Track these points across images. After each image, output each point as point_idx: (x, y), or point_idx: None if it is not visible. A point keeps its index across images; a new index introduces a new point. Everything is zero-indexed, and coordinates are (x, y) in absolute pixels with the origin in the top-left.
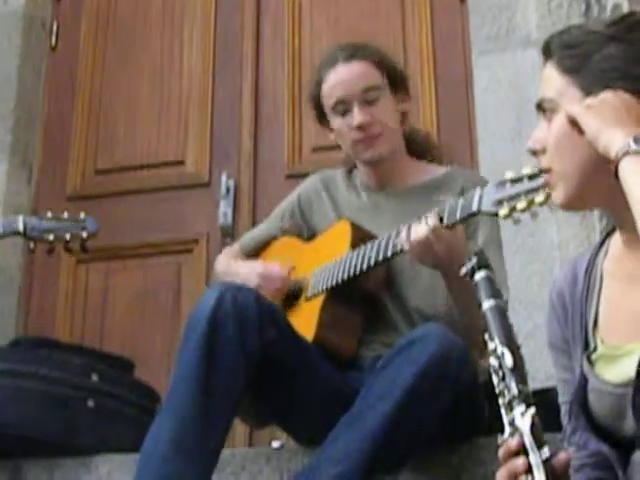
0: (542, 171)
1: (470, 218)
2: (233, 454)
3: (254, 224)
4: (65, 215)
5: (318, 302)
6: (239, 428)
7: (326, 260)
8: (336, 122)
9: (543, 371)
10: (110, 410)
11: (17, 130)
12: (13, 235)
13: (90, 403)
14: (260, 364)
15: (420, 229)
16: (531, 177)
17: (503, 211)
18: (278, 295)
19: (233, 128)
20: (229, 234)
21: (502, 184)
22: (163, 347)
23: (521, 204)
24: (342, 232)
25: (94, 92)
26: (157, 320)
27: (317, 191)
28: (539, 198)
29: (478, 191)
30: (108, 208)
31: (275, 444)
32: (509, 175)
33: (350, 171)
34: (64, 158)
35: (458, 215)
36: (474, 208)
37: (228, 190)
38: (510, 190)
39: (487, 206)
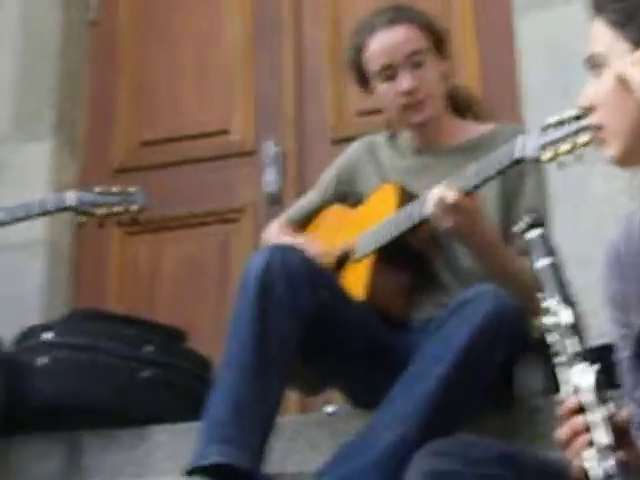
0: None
1: (514, 166)
2: (288, 421)
3: (301, 191)
4: (115, 189)
5: (366, 264)
6: (291, 395)
7: (373, 224)
8: (381, 88)
9: (597, 328)
10: (165, 380)
11: (62, 106)
12: (63, 210)
13: (145, 373)
14: (312, 325)
15: (441, 192)
16: (575, 119)
17: (546, 156)
18: None
19: (276, 95)
20: (276, 202)
21: (545, 129)
22: (212, 317)
23: (565, 146)
24: (387, 195)
25: (136, 64)
26: (206, 290)
27: (361, 157)
28: (583, 139)
29: (520, 138)
30: (154, 180)
31: (328, 409)
32: (551, 119)
33: (393, 134)
34: (109, 132)
35: (498, 166)
36: (517, 155)
37: (274, 157)
38: (553, 134)
39: (530, 152)
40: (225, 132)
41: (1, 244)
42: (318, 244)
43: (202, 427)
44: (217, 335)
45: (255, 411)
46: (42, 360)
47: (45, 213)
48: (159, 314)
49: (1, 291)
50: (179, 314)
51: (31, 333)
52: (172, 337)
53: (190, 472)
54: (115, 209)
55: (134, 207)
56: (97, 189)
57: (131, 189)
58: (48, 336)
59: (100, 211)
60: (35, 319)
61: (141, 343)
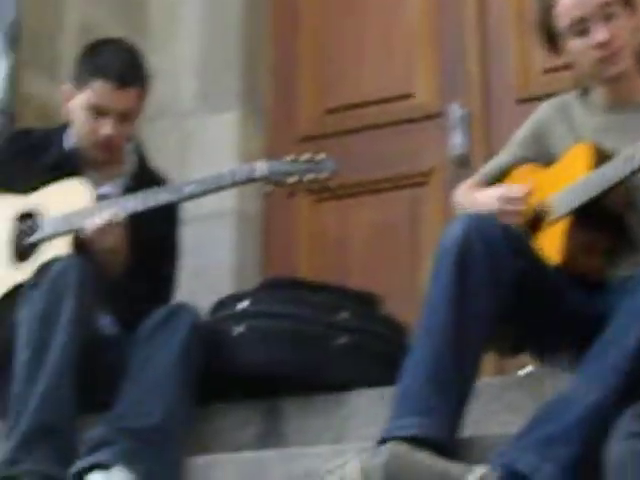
0: None
1: None
2: (484, 384)
3: (488, 152)
4: (304, 156)
5: (563, 225)
6: (488, 357)
7: (567, 184)
8: (573, 43)
9: None
10: (360, 346)
11: (245, 77)
12: (254, 181)
13: (341, 340)
14: (510, 292)
15: None
16: None
17: None
18: (520, 218)
19: (460, 56)
20: (464, 164)
21: None
22: (405, 281)
23: None
24: (582, 154)
25: (319, 30)
26: (397, 254)
27: (552, 116)
28: None
29: None
30: (340, 146)
31: (524, 371)
32: None
33: (584, 92)
34: (294, 100)
35: None
36: None
37: (460, 120)
38: None
39: None
40: (410, 96)
41: (192, 215)
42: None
43: (398, 394)
44: (410, 299)
45: (452, 378)
46: (238, 329)
47: (235, 184)
48: (351, 280)
49: (193, 262)
50: (371, 279)
51: (227, 303)
52: (366, 302)
53: (385, 441)
54: (306, 177)
55: (324, 174)
56: (286, 158)
57: (320, 156)
58: (243, 305)
59: (291, 180)
60: (227, 288)
61: (336, 310)
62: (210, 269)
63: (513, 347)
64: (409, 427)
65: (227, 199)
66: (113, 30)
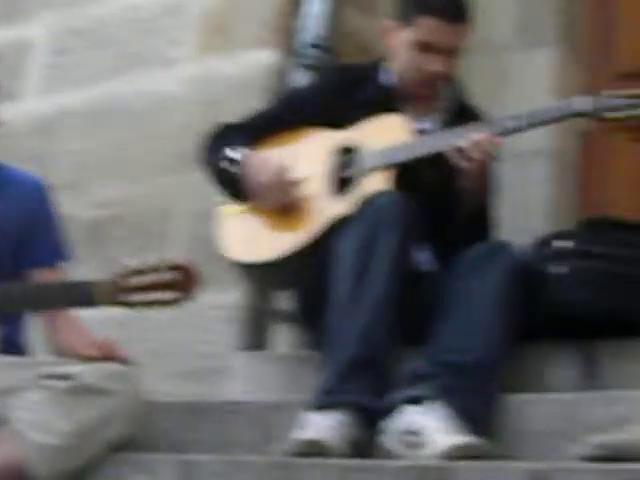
0: None
1: None
2: None
3: None
4: (629, 92)
5: None
6: None
7: None
8: None
9: None
10: None
11: (565, 10)
12: (578, 116)
13: None
14: None
15: None
16: None
17: None
18: None
19: None
20: None
21: None
22: None
23: None
24: None
25: None
26: None
27: None
28: None
29: None
30: None
31: None
32: None
33: None
34: (613, 36)
35: None
36: None
37: None
38: None
39: None
40: None
41: (508, 153)
42: None
43: None
44: None
45: None
46: (560, 269)
47: (559, 119)
48: None
49: (509, 199)
50: None
51: (547, 241)
52: None
53: None
54: (631, 113)
55: None
56: (616, 92)
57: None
58: (565, 244)
59: (619, 115)
60: (542, 227)
61: None
62: (525, 207)
63: None
64: None
65: (542, 137)
66: None
